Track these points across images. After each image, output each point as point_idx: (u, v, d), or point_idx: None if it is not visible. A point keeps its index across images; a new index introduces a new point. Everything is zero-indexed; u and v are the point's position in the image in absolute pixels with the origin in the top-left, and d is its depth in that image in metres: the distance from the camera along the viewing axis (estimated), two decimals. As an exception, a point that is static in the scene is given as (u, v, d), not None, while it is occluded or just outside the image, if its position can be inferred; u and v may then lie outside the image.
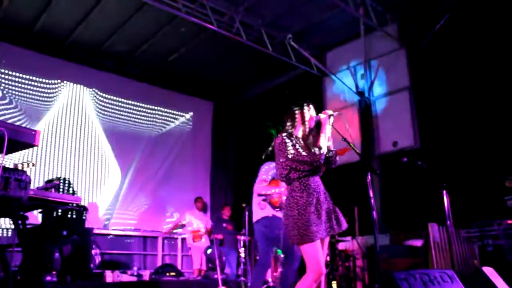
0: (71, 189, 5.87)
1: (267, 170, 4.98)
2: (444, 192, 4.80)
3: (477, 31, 7.10)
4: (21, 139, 2.79)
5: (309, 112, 3.50)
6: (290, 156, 3.27)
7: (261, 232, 4.92)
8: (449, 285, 2.81)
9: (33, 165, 3.46)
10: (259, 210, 4.93)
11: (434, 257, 6.40)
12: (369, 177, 3.53)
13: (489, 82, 7.02)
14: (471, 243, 6.62)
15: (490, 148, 6.90)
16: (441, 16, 7.61)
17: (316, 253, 3.15)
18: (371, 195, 3.48)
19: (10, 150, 2.84)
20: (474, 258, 6.57)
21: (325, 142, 3.33)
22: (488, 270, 3.50)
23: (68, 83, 8.88)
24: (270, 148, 3.53)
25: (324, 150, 3.29)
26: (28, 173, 3.07)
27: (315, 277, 3.14)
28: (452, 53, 7.44)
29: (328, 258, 6.75)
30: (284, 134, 3.39)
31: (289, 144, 3.30)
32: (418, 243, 6.61)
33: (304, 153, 3.25)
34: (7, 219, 6.07)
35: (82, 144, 8.85)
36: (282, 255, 6.94)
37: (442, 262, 6.42)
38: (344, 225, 3.36)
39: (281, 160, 3.32)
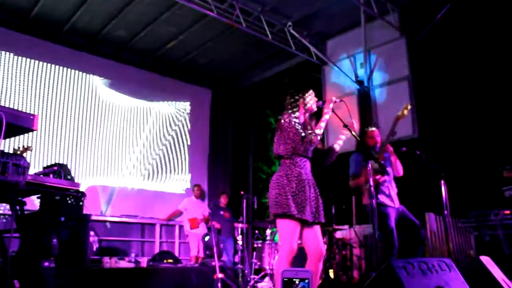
0: (69, 175, 5.87)
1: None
2: (442, 182, 4.81)
3: (477, 22, 7.08)
4: (19, 124, 2.77)
5: (312, 97, 3.54)
6: (291, 135, 3.40)
7: None
8: (447, 273, 2.82)
9: (28, 149, 3.43)
10: None
11: (431, 246, 6.44)
12: (369, 165, 3.53)
13: (489, 73, 7.01)
14: (468, 233, 6.65)
15: (489, 138, 6.91)
16: (442, 6, 7.57)
17: (289, 230, 3.25)
18: (372, 183, 3.48)
19: (8, 135, 2.83)
20: (470, 248, 6.61)
21: (323, 126, 3.40)
22: (485, 259, 3.52)
23: (66, 68, 8.83)
24: None
25: (319, 135, 3.35)
26: (26, 158, 3.05)
27: (286, 255, 3.23)
28: (452, 43, 7.43)
29: (325, 246, 6.78)
30: (289, 112, 3.51)
31: (294, 121, 3.44)
32: (415, 232, 6.62)
33: (301, 134, 3.37)
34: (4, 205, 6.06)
35: (80, 129, 8.83)
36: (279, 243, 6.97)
37: (438, 251, 6.47)
38: (322, 219, 3.39)
39: (284, 136, 3.44)
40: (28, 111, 3.03)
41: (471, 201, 6.57)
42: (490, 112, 6.97)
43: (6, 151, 2.83)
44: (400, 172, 4.99)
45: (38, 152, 8.14)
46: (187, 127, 10.56)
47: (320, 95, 8.58)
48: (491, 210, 6.08)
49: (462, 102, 7.29)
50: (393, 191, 4.95)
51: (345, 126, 3.48)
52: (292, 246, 3.25)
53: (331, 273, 6.82)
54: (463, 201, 6.34)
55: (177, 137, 10.30)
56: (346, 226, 7.56)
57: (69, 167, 8.21)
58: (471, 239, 6.61)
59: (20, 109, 7.75)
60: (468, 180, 6.70)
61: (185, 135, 10.47)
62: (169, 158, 10.04)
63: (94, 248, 7.27)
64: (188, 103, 10.71)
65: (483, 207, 6.25)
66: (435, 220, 6.69)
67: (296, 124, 3.41)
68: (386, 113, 8.12)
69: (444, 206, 4.85)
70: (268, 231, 7.07)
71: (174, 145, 10.19)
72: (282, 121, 3.48)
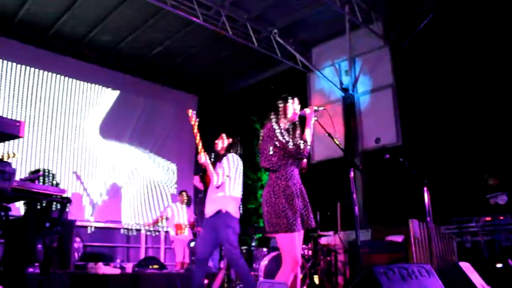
0: (54, 180, 5.85)
1: None
2: (425, 188, 4.89)
3: (460, 30, 7.21)
4: (5, 130, 2.78)
5: (293, 106, 3.54)
6: (277, 144, 3.34)
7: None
8: (426, 279, 2.89)
9: (14, 156, 3.44)
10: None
11: (414, 252, 6.51)
12: (352, 173, 3.59)
13: (471, 81, 7.14)
14: (450, 239, 6.73)
15: (470, 145, 7.03)
16: (425, 15, 7.71)
17: (291, 244, 3.24)
18: (354, 190, 3.53)
19: (-6, 141, 2.83)
20: (452, 254, 6.70)
21: (310, 136, 3.40)
22: (465, 265, 3.60)
23: (52, 73, 8.78)
24: None
25: (308, 144, 3.36)
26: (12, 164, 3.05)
27: (292, 267, 3.23)
28: (435, 51, 7.55)
29: (310, 253, 6.83)
30: (273, 122, 3.45)
31: (278, 130, 3.38)
32: (398, 238, 6.71)
33: (290, 144, 3.32)
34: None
35: (66, 135, 8.78)
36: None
37: (421, 258, 6.53)
38: (313, 223, 3.41)
39: (270, 147, 3.38)
40: (11, 117, 3.03)
41: (453, 208, 6.66)
42: (473, 119, 7.09)
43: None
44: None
45: (23, 157, 8.06)
46: (174, 132, 10.55)
47: (305, 102, 8.67)
48: (472, 216, 6.18)
49: (446, 110, 7.40)
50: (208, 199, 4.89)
51: (329, 135, 3.53)
52: (296, 257, 3.25)
53: (316, 279, 6.86)
54: (446, 207, 6.43)
55: (163, 143, 10.28)
56: (331, 232, 7.60)
57: (54, 172, 8.22)
58: (454, 245, 6.69)
59: (3, 115, 7.74)
60: (451, 186, 6.80)
61: (171, 141, 10.46)
62: (155, 164, 10.02)
63: (79, 254, 7.23)
64: (174, 109, 10.71)
65: (465, 214, 6.34)
66: (418, 227, 6.76)
67: (280, 133, 3.37)
68: (370, 120, 8.23)
69: (427, 212, 4.92)
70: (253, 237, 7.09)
71: (160, 151, 10.17)
72: (265, 130, 3.44)
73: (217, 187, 4.68)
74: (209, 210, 4.76)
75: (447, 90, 7.41)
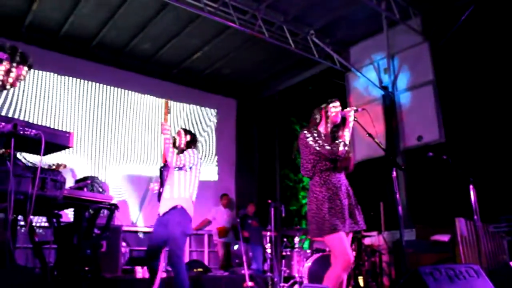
0: (100, 187, 6.06)
1: None
2: (471, 186, 4.77)
3: (501, 23, 7.00)
4: (56, 141, 2.91)
5: (335, 108, 3.56)
6: (311, 150, 3.41)
7: None
8: (475, 280, 2.82)
9: (64, 167, 3.60)
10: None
11: (461, 252, 6.35)
12: (394, 172, 3.56)
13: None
14: (501, 238, 6.54)
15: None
16: (465, 9, 7.52)
17: (340, 243, 3.24)
18: (396, 190, 3.50)
19: (46, 152, 2.96)
20: (503, 253, 6.50)
21: (348, 136, 3.40)
22: (516, 265, 3.49)
23: (95, 83, 9.07)
24: None
25: (344, 144, 3.35)
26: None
27: (344, 266, 3.23)
28: (476, 45, 7.36)
29: (354, 253, 6.77)
30: (306, 129, 3.50)
31: (310, 138, 3.43)
32: (445, 238, 6.57)
33: (324, 146, 3.34)
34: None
35: (111, 142, 9.04)
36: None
37: (470, 257, 6.37)
38: (362, 225, 3.41)
39: (305, 155, 3.47)
40: (58, 127, 3.17)
41: (502, 205, 6.47)
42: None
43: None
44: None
45: (70, 165, 8.34)
46: (214, 137, 10.69)
47: (344, 102, 8.61)
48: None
49: (489, 105, 7.20)
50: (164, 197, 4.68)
51: (369, 135, 3.51)
52: (348, 257, 3.23)
53: (361, 281, 6.80)
54: (494, 205, 6.26)
55: (204, 148, 10.43)
56: (374, 233, 7.52)
57: (100, 179, 8.46)
58: (504, 244, 6.50)
59: (50, 124, 8.04)
60: (498, 183, 6.61)
61: (212, 145, 10.61)
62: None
63: (126, 258, 7.42)
64: (214, 113, 10.85)
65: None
66: (465, 225, 6.60)
67: (313, 139, 3.40)
68: (411, 118, 8.09)
69: (474, 211, 4.81)
70: (296, 239, 7.10)
71: (202, 156, 10.32)
72: (299, 140, 3.50)
73: (172, 166, 4.51)
74: (163, 207, 4.55)
75: (490, 84, 7.21)
